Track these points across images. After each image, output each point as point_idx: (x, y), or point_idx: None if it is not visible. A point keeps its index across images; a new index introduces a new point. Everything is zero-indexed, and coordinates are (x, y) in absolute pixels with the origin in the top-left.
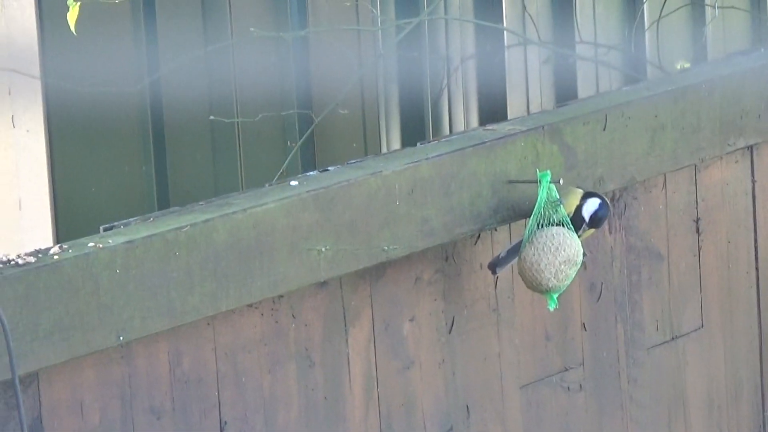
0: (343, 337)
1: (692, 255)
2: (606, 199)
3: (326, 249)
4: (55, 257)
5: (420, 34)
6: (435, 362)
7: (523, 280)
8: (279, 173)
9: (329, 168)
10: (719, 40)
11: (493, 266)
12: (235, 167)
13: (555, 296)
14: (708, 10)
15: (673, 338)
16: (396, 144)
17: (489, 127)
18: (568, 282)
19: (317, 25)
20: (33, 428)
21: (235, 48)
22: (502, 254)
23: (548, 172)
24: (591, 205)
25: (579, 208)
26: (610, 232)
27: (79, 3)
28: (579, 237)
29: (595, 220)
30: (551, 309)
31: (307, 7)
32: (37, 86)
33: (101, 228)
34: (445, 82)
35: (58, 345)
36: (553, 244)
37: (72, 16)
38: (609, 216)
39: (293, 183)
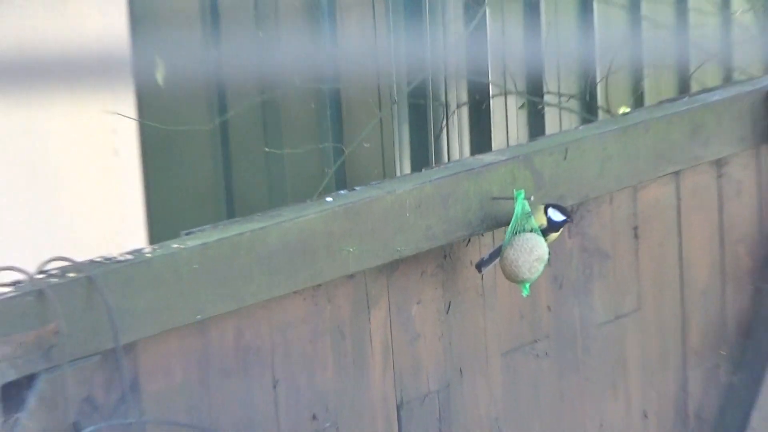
0: (366, 316)
1: (632, 254)
2: (564, 206)
3: (353, 249)
4: (148, 255)
5: (425, 85)
6: (436, 335)
7: (503, 273)
8: (318, 192)
9: (356, 188)
10: (654, 90)
11: (479, 266)
12: (284, 187)
13: (528, 285)
14: (645, 69)
15: (616, 317)
16: (407, 169)
17: (478, 156)
18: (538, 274)
19: (347, 77)
20: (132, 385)
21: (285, 97)
22: (485, 257)
23: (522, 191)
24: (554, 214)
25: (549, 218)
26: (570, 237)
27: (164, 63)
28: (546, 239)
29: (557, 224)
30: (525, 295)
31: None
32: (133, 126)
33: (183, 233)
34: (445, 122)
35: (151, 322)
36: (528, 246)
37: (160, 74)
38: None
39: (329, 199)
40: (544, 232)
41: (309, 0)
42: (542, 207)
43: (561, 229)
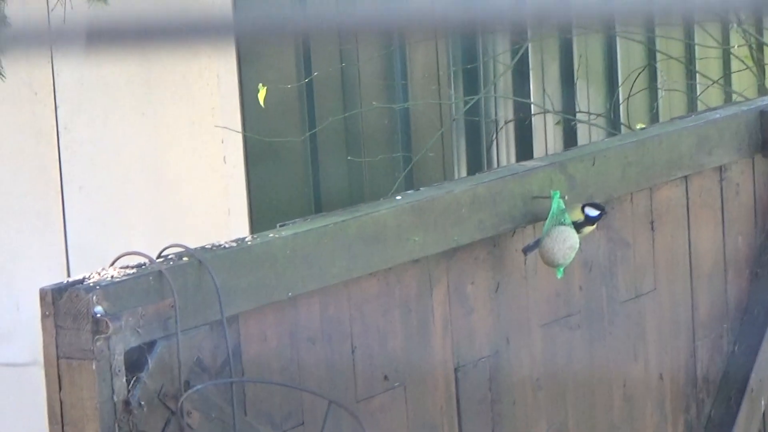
0: (429, 294)
1: (648, 244)
2: (599, 204)
3: (418, 239)
4: (249, 243)
5: (479, 105)
6: (487, 310)
7: (542, 259)
8: (391, 192)
9: (421, 188)
10: (666, 109)
11: (525, 250)
12: (362, 188)
13: (562, 269)
14: (659, 92)
15: (636, 296)
16: (463, 173)
17: (521, 163)
18: (570, 260)
19: (414, 100)
20: (234, 351)
21: (363, 115)
22: (531, 244)
23: (558, 191)
24: (591, 210)
25: (586, 214)
26: (598, 229)
27: (266, 87)
28: (582, 232)
29: (593, 219)
30: (559, 277)
31: (408, 90)
32: (239, 138)
33: (278, 225)
34: (494, 135)
35: (250, 298)
36: (562, 237)
37: (261, 94)
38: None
39: (398, 198)
40: (581, 225)
41: (384, 37)
42: (579, 205)
43: (596, 223)
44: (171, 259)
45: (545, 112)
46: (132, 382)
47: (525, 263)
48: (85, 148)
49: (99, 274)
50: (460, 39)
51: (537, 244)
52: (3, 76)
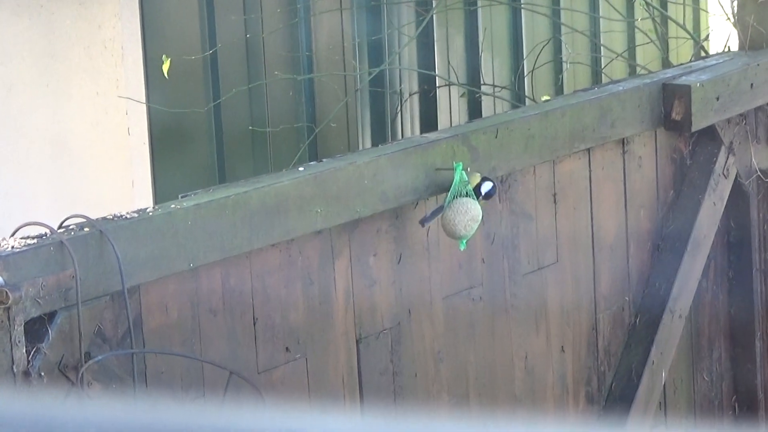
0: (331, 266)
1: (551, 216)
2: (495, 182)
3: (321, 210)
4: (150, 213)
5: (383, 77)
6: (389, 282)
7: (444, 230)
8: (292, 162)
9: (324, 159)
10: (571, 82)
11: (422, 221)
12: (266, 158)
13: (464, 241)
14: (564, 65)
15: (539, 268)
16: (367, 144)
17: (424, 135)
18: (472, 232)
19: (319, 71)
20: (135, 322)
21: (268, 85)
22: (428, 215)
23: (461, 163)
24: (486, 186)
25: (478, 186)
26: (500, 202)
27: (169, 58)
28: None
29: (487, 195)
30: (462, 249)
31: (313, 60)
32: (143, 109)
33: (180, 196)
34: (399, 107)
35: (152, 268)
36: (464, 209)
37: (165, 66)
38: (497, 193)
39: (301, 169)
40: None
41: (289, 8)
42: (479, 176)
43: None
44: (72, 229)
45: (450, 84)
46: (32, 353)
47: (427, 235)
48: None
49: None
50: (365, 10)
51: (434, 214)
52: None
